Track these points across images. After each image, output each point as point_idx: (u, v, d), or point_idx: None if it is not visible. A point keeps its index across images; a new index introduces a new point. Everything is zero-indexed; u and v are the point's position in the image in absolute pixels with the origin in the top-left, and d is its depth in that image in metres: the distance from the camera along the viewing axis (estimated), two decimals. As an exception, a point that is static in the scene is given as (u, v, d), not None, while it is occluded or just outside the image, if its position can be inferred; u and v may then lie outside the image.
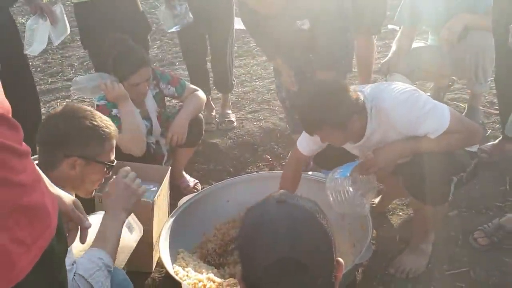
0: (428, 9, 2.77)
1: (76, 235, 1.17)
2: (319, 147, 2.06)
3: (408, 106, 1.79)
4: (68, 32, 2.74)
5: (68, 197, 1.15)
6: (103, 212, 1.58)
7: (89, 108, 1.68)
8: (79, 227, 1.17)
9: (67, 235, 1.10)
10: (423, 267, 2.02)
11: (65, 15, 2.72)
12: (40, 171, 0.97)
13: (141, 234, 1.83)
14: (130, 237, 1.75)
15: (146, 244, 2.06)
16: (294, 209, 0.95)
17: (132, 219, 1.77)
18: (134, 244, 1.79)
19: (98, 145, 1.60)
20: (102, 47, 2.41)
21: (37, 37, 2.51)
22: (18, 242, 0.83)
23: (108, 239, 1.46)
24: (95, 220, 1.48)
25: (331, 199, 1.90)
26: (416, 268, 2.01)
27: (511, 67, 2.34)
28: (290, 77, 2.61)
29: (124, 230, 1.59)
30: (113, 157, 1.67)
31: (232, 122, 3.37)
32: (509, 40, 2.01)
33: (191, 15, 2.91)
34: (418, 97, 1.82)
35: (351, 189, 1.84)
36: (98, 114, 1.66)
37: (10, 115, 0.85)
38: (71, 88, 2.50)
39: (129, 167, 1.65)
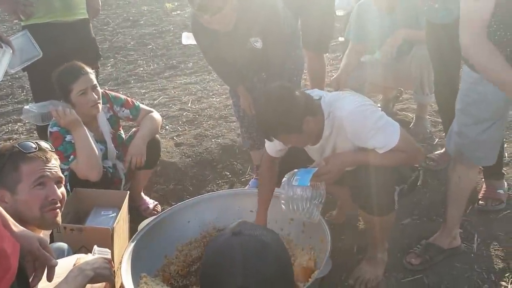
0: (374, 26, 2.90)
1: (43, 274, 1.16)
2: (284, 147, 2.10)
3: (362, 118, 1.86)
4: (40, 55, 2.67)
5: (32, 236, 1.14)
6: (73, 256, 1.53)
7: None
8: (46, 265, 1.16)
9: (33, 274, 1.09)
10: (381, 276, 2.09)
11: (32, 40, 2.67)
12: (4, 214, 0.96)
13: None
14: None
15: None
16: (249, 240, 0.98)
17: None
18: None
19: (12, 172, 1.55)
20: (44, 73, 2.39)
21: None
22: None
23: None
24: (70, 261, 1.45)
25: (286, 206, 1.91)
26: (374, 277, 2.08)
27: (447, 81, 2.49)
28: (249, 102, 2.67)
29: None
30: (42, 173, 1.58)
31: None
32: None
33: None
34: (374, 112, 1.90)
35: (309, 197, 1.87)
36: (9, 144, 1.62)
37: None
38: (22, 117, 2.45)
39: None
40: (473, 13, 1.64)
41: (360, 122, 1.86)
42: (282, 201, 1.93)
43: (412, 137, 1.95)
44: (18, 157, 1.56)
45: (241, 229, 1.00)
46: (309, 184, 1.85)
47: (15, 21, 6.63)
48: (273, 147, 2.12)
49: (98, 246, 1.81)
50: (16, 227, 1.08)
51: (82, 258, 1.55)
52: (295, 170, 1.93)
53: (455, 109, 1.99)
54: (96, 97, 2.37)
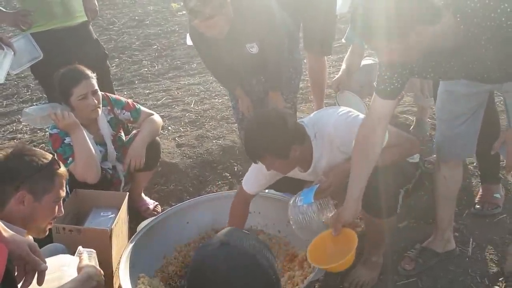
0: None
1: (33, 278, 1.18)
2: (267, 182, 2.13)
3: (348, 127, 1.89)
4: (41, 56, 2.74)
5: (22, 241, 1.16)
6: (62, 256, 1.55)
7: (38, 149, 1.69)
8: (36, 270, 1.19)
9: (23, 278, 1.12)
10: (376, 279, 2.11)
11: (33, 41, 2.74)
12: None
13: None
14: None
15: (105, 272, 2.06)
16: (235, 251, 0.99)
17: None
18: None
19: (47, 182, 1.59)
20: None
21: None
22: None
23: None
24: (53, 261, 1.47)
25: (298, 228, 1.95)
26: (369, 280, 2.10)
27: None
28: (247, 104, 2.69)
29: None
30: (63, 194, 1.67)
31: None
32: None
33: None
34: (356, 118, 1.92)
35: (317, 212, 1.90)
36: (48, 154, 1.66)
37: None
38: (22, 119, 2.50)
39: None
40: (376, 103, 1.77)
41: (347, 131, 1.88)
42: (294, 227, 1.95)
43: (402, 131, 1.99)
44: (54, 168, 1.61)
45: (229, 240, 1.01)
46: (313, 201, 1.88)
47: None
48: (254, 180, 2.13)
49: (96, 247, 1.84)
50: (5, 231, 1.10)
51: (84, 260, 1.58)
52: (299, 192, 1.96)
53: (435, 108, 2.08)
54: (96, 102, 2.39)
